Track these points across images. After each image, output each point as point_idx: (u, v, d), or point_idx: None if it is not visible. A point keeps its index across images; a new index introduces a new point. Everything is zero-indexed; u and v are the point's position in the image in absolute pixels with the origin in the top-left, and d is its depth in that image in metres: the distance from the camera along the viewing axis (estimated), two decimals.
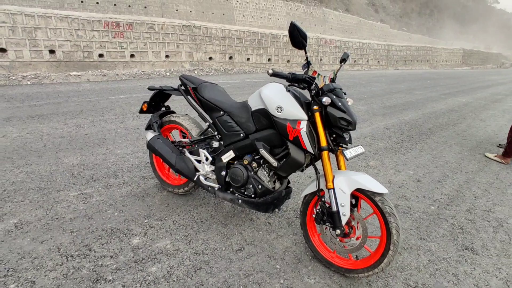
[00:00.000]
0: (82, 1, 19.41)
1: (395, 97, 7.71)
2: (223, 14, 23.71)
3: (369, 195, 1.59)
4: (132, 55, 9.86)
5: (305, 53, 1.56)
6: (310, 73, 1.62)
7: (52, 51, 8.40)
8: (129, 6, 21.09)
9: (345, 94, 1.94)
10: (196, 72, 10.20)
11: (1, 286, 1.54)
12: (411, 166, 3.40)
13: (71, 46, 8.69)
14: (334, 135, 1.66)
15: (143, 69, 9.95)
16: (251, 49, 12.88)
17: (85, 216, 2.12)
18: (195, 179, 2.05)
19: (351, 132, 2.83)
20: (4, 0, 16.59)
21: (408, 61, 20.87)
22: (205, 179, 2.09)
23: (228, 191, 2.03)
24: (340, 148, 1.69)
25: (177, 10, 22.38)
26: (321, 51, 15.31)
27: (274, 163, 1.78)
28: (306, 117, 1.64)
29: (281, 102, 1.69)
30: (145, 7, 21.63)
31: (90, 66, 9.06)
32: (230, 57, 12.35)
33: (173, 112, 2.48)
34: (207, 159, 2.06)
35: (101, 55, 9.23)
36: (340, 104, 1.59)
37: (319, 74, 1.68)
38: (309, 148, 1.65)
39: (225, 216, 2.23)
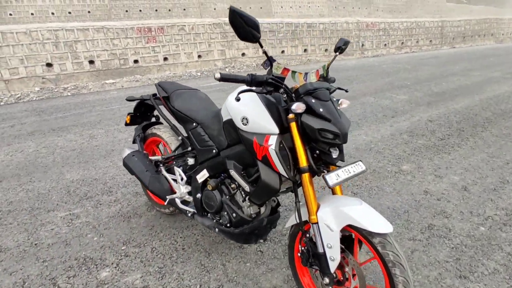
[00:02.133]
0: (126, 11, 20.55)
1: (446, 81, 6.67)
2: (261, 8, 23.32)
3: (366, 235, 1.15)
4: (165, 58, 10.02)
5: (261, 47, 1.16)
6: (278, 72, 1.22)
7: (91, 62, 8.85)
8: (169, 10, 21.82)
9: (346, 91, 1.51)
10: (227, 69, 10.03)
11: None
12: (457, 169, 2.75)
13: (108, 55, 9.07)
14: (318, 152, 1.25)
15: (176, 71, 10.07)
16: (285, 41, 12.35)
17: (64, 241, 1.98)
18: (166, 202, 1.76)
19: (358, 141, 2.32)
20: (60, 17, 18.20)
21: (467, 37, 18.42)
22: (182, 202, 1.80)
23: (207, 216, 1.72)
24: (328, 168, 1.28)
25: (214, 8, 22.57)
26: (363, 36, 14.13)
27: (246, 187, 1.42)
28: (276, 131, 1.25)
29: (247, 111, 1.32)
30: (184, 9, 22.18)
31: (126, 73, 9.39)
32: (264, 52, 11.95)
33: (160, 123, 2.23)
34: (182, 178, 1.76)
35: (136, 61, 9.51)
36: (321, 110, 1.17)
37: (294, 72, 1.27)
38: (281, 170, 1.26)
39: (212, 242, 1.92)
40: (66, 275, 1.71)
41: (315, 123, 1.15)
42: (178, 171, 1.77)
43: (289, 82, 1.15)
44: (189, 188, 1.77)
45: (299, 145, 1.22)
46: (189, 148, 1.73)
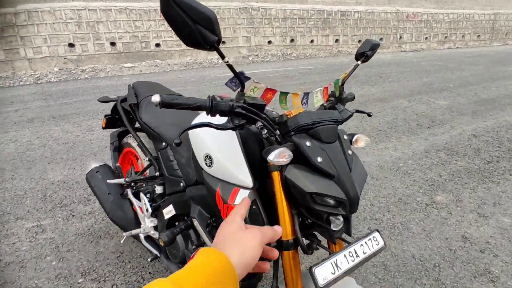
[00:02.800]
0: None
1: (497, 85, 5.81)
2: None
3: None
4: None
5: (221, 57, 0.70)
6: (255, 94, 0.78)
7: (113, 43, 8.68)
8: None
9: (369, 115, 1.06)
10: (250, 58, 9.56)
11: None
12: (508, 207, 2.19)
13: (130, 37, 8.86)
14: (310, 221, 0.83)
15: (197, 58, 9.73)
16: (316, 30, 11.59)
17: (20, 262, 1.70)
18: (124, 234, 1.39)
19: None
20: None
21: None
22: (146, 238, 1.44)
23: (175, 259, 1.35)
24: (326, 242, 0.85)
25: None
26: (401, 27, 12.99)
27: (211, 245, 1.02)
28: (249, 183, 0.83)
29: (212, 146, 0.90)
30: None
31: (148, 57, 9.17)
32: (292, 40, 11.32)
33: (141, 130, 1.86)
34: (147, 209, 1.39)
35: (157, 45, 9.26)
36: (319, 159, 0.73)
37: (284, 94, 0.82)
38: None
39: None
40: None
41: (307, 181, 0.72)
42: (144, 199, 1.40)
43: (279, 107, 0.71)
44: (155, 222, 1.40)
45: (282, 208, 0.79)
46: (157, 173, 1.35)
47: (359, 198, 0.76)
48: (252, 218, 0.83)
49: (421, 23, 13.24)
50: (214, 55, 10.05)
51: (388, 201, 2.23)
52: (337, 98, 1.01)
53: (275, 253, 0.57)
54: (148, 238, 1.44)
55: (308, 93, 0.86)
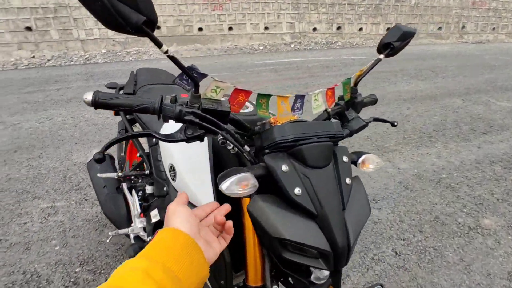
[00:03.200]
0: None
1: None
2: None
3: None
4: (230, 28, 9.57)
5: (157, 45, 0.50)
6: (216, 96, 0.59)
7: (158, 27, 8.85)
8: None
9: (394, 125, 0.85)
10: (292, 46, 9.19)
11: None
12: None
13: (174, 21, 8.96)
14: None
15: (240, 43, 9.58)
16: (366, 17, 10.79)
17: (26, 244, 1.73)
18: (110, 233, 1.30)
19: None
20: None
21: None
22: (135, 238, 1.34)
23: None
24: None
25: None
26: (465, 16, 11.58)
27: None
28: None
29: (175, 155, 0.74)
30: None
31: (190, 41, 9.23)
32: (338, 27, 10.68)
33: None
34: (137, 209, 1.29)
35: (200, 29, 9.26)
36: (297, 191, 0.54)
37: (263, 96, 0.62)
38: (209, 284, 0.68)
39: None
40: None
41: (276, 222, 0.53)
42: (135, 197, 1.30)
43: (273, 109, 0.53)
44: (144, 222, 1.30)
45: (251, 244, 0.62)
46: (147, 172, 1.23)
47: (351, 249, 0.55)
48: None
49: (488, 11, 11.69)
50: (255, 40, 9.83)
51: (421, 219, 1.92)
52: (349, 102, 0.79)
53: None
54: (138, 238, 1.34)
55: (303, 96, 0.66)
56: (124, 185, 1.44)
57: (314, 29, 10.37)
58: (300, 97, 0.66)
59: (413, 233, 1.82)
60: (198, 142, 0.69)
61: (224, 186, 0.51)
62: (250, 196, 0.58)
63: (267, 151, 0.57)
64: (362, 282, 1.50)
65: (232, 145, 0.58)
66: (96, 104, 0.54)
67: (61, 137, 2.97)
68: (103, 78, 5.00)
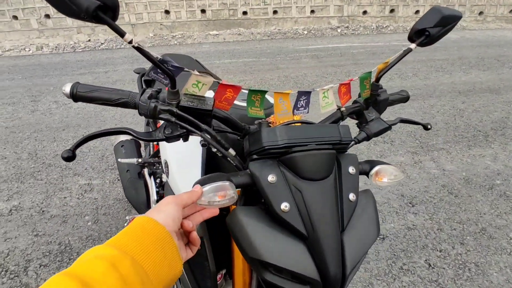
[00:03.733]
0: None
1: None
2: None
3: None
4: (274, 11, 9.33)
5: (120, 34, 0.44)
6: (199, 91, 0.52)
7: (203, 11, 8.93)
8: None
9: (427, 128, 0.75)
10: (339, 30, 8.71)
11: None
12: None
13: (219, 4, 8.96)
14: None
15: (284, 27, 9.33)
16: None
17: (63, 217, 1.87)
18: (127, 218, 1.33)
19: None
20: None
21: None
22: None
23: None
24: None
25: None
26: None
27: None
28: None
29: (171, 152, 0.70)
30: None
31: (234, 24, 9.19)
32: (391, 10, 9.88)
33: None
34: (153, 196, 1.30)
35: (244, 13, 9.16)
36: (284, 208, 0.47)
37: (259, 93, 0.54)
38: None
39: None
40: (39, 262, 1.57)
41: (257, 241, 0.46)
42: (152, 184, 1.31)
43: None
44: None
45: (238, 255, 0.56)
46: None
47: (347, 279, 0.47)
48: (195, 261, 0.61)
49: None
50: (300, 24, 9.50)
51: (464, 230, 1.72)
52: (369, 100, 0.68)
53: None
54: None
55: (308, 92, 0.57)
56: (146, 171, 1.46)
57: (364, 12, 9.70)
58: (304, 94, 0.57)
59: (452, 244, 1.63)
60: (192, 139, 0.64)
61: (204, 201, 0.45)
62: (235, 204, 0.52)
63: (254, 156, 0.50)
64: None
65: (215, 149, 0.52)
66: (74, 96, 0.51)
67: (104, 118, 3.15)
68: (147, 62, 5.18)
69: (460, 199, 1.95)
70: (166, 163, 0.73)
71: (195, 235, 0.46)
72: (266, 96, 0.56)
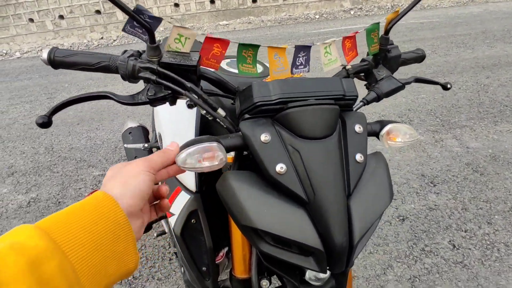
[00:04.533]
0: None
1: None
2: None
3: None
4: None
5: None
6: (181, 46, 0.47)
7: (212, 1, 8.84)
8: None
9: (446, 88, 0.68)
10: (352, 12, 8.41)
11: None
12: None
13: None
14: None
15: (295, 12, 9.12)
16: None
17: None
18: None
19: None
20: None
21: None
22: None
23: None
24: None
25: None
26: None
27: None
28: (192, 187, 0.57)
29: (164, 124, 0.66)
30: None
31: (244, 13, 9.06)
32: None
33: None
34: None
35: (254, 1, 9.01)
36: (279, 169, 0.42)
37: (252, 47, 0.48)
38: (189, 272, 0.60)
39: None
40: None
41: (250, 206, 0.41)
42: None
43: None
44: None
45: (237, 232, 0.52)
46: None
47: (355, 249, 0.41)
48: (190, 236, 0.57)
49: None
50: (312, 9, 9.24)
51: (492, 209, 1.61)
52: (378, 57, 0.61)
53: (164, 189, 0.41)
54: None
55: (308, 47, 0.51)
56: None
57: None
58: (303, 49, 0.51)
59: (478, 224, 1.53)
60: (186, 109, 0.59)
61: (179, 158, 0.40)
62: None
63: (246, 116, 0.45)
64: (407, 276, 1.31)
65: (203, 110, 0.47)
66: (53, 62, 0.47)
67: (116, 111, 3.17)
68: None
69: (487, 177, 1.83)
70: (160, 135, 0.69)
71: (166, 202, 0.41)
72: (264, 63, 0.50)
